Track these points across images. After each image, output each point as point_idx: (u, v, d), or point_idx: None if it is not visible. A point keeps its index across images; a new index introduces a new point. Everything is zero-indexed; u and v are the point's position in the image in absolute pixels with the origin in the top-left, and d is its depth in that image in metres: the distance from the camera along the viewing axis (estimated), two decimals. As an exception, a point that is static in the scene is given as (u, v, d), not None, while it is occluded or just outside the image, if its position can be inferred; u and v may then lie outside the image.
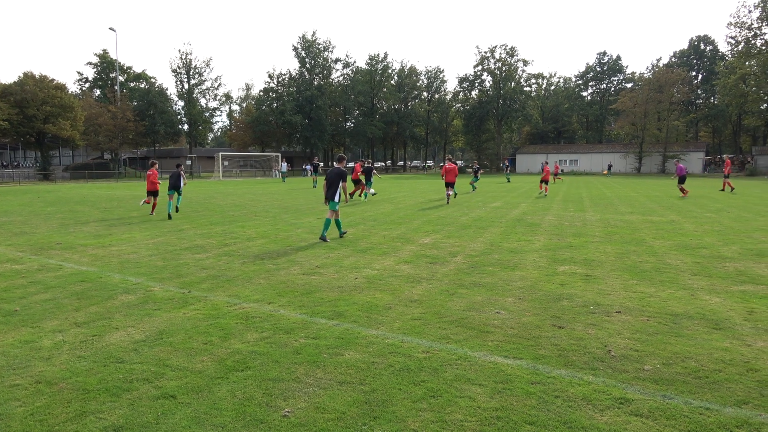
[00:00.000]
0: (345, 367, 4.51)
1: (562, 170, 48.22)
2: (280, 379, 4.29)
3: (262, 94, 78.72)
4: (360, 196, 23.37)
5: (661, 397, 3.96)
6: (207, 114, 74.15)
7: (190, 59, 70.04)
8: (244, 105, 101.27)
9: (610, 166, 73.25)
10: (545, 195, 26.46)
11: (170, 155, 77.85)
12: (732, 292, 7.00)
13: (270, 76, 78.01)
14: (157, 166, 17.43)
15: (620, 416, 3.67)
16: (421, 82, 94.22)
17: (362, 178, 23.15)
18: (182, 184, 17.15)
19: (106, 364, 4.62)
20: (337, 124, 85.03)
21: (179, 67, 69.87)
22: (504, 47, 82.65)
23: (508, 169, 48.95)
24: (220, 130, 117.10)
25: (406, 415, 3.69)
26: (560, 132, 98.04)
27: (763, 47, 65.29)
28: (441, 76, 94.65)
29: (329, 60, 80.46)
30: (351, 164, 73.59)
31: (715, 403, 3.85)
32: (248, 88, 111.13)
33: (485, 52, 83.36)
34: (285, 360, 4.68)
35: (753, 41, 66.04)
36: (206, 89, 72.36)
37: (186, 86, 70.58)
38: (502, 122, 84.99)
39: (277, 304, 6.52)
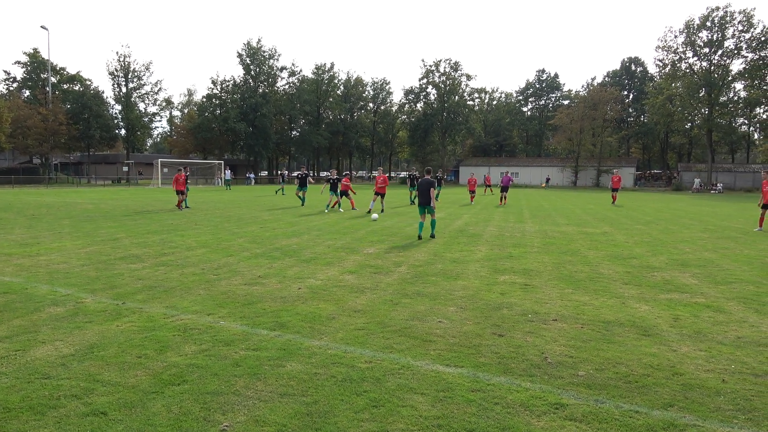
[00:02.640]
0: (286, 379, 4.44)
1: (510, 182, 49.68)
2: (218, 392, 4.17)
3: (205, 100, 76.90)
4: (333, 207, 22.90)
5: (594, 401, 4.11)
6: (146, 119, 71.66)
7: (129, 62, 67.65)
8: (186, 111, 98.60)
9: (548, 180, 76.07)
10: (471, 203, 28.18)
11: (106, 161, 74.72)
12: (659, 300, 7.39)
13: (213, 82, 76.40)
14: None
15: (556, 421, 3.79)
16: (367, 93, 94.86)
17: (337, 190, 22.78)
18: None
19: (30, 380, 4.35)
20: (282, 132, 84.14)
21: (117, 70, 67.32)
22: (448, 61, 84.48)
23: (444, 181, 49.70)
24: (159, 136, 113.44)
25: (347, 426, 3.67)
26: (502, 145, 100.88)
27: (688, 70, 69.71)
28: (387, 87, 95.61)
29: (275, 68, 79.68)
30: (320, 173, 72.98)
31: (643, 407, 4.04)
32: (190, 93, 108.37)
33: (430, 66, 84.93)
34: (224, 373, 4.56)
35: (678, 64, 70.39)
36: (145, 93, 70.01)
37: (124, 90, 68.05)
38: (446, 134, 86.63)
39: (217, 315, 6.35)
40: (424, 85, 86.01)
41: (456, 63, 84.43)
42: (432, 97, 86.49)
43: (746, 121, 79.29)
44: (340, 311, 6.56)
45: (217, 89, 76.37)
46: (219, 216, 19.51)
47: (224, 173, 48.09)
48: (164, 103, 78.09)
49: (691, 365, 4.88)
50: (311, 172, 37.32)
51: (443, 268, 9.51)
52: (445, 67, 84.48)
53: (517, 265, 9.91)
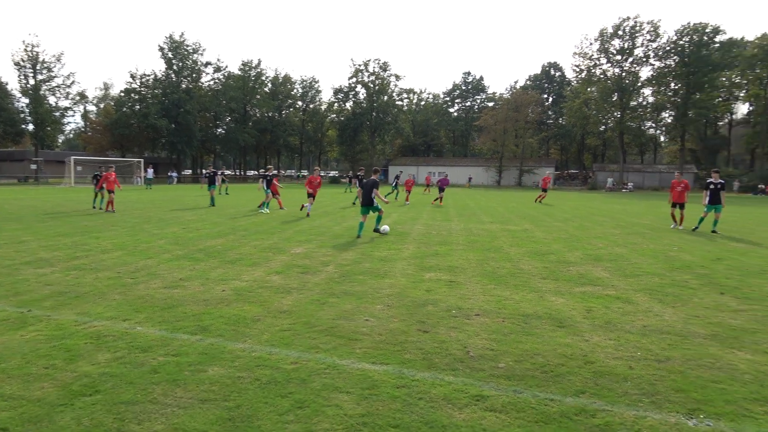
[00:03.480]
0: (208, 384, 4.31)
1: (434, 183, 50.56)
2: (134, 401, 3.98)
3: (123, 94, 73.02)
4: (261, 206, 22.12)
5: (513, 392, 4.28)
6: (57, 114, 67.10)
7: (37, 52, 63.11)
8: (102, 106, 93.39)
9: (470, 179, 78.25)
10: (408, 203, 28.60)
11: (11, 158, 69.36)
12: (574, 293, 7.79)
13: (132, 76, 72.70)
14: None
15: (477, 413, 3.90)
16: (295, 91, 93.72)
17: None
18: None
19: None
20: (206, 130, 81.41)
21: (23, 60, 62.60)
22: (377, 61, 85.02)
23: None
24: (72, 132, 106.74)
25: (272, 429, 3.61)
26: (430, 145, 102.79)
27: (602, 76, 74.00)
28: (316, 86, 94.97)
29: (199, 63, 76.98)
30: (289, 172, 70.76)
31: (558, 394, 4.24)
32: (107, 87, 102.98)
33: (359, 65, 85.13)
34: (141, 380, 4.36)
35: (593, 70, 74.60)
36: (56, 86, 65.46)
37: (32, 82, 63.41)
38: (375, 134, 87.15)
39: (134, 320, 6.06)
40: (353, 85, 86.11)
41: (385, 63, 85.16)
42: (361, 97, 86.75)
43: (653, 125, 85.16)
44: (265, 313, 6.45)
45: (136, 83, 72.77)
46: (138, 217, 18.62)
47: (145, 172, 45.86)
48: (77, 97, 73.28)
49: (601, 354, 5.18)
50: (238, 170, 36.12)
51: (371, 267, 9.56)
52: (374, 67, 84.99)
53: (442, 263, 10.12)
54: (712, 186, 16.07)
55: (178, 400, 4.01)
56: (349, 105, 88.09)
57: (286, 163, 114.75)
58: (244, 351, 5.10)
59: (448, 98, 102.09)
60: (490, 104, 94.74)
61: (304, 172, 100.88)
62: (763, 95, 70.13)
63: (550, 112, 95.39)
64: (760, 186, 61.52)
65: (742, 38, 74.67)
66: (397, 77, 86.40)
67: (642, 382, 4.49)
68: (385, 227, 14.73)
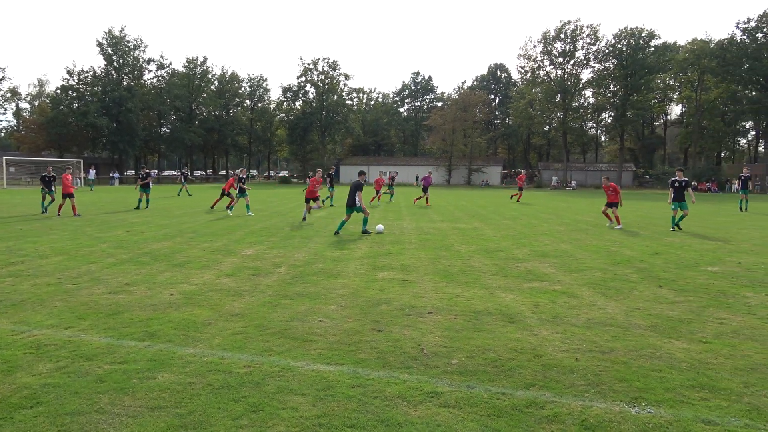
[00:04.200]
0: (158, 391, 4.19)
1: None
2: (79, 412, 3.83)
3: (59, 92, 69.74)
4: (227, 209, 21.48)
5: (466, 387, 4.37)
6: (-14, 112, 63.40)
7: (-36, 46, 59.38)
8: (37, 103, 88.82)
9: (417, 178, 78.61)
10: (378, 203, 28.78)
11: (-65, 159, 64.95)
12: (523, 289, 8.01)
13: (69, 73, 69.57)
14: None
15: (431, 409, 3.96)
16: (243, 89, 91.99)
17: (234, 192, 21.47)
18: None
19: None
20: (150, 129, 78.81)
21: (-52, 55, 58.79)
22: (327, 60, 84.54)
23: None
24: (4, 131, 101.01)
25: (225, 435, 3.55)
26: (380, 145, 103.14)
27: (545, 77, 76.26)
28: (264, 84, 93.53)
29: (141, 59, 74.44)
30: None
31: (509, 388, 4.36)
32: (41, 84, 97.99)
33: (309, 64, 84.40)
34: (86, 390, 4.19)
35: (537, 72, 76.77)
36: (-15, 83, 61.90)
37: (-43, 78, 59.63)
38: (325, 133, 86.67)
39: (77, 328, 5.81)
40: (302, 83, 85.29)
41: (334, 62, 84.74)
42: (311, 96, 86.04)
43: (594, 125, 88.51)
44: (216, 316, 6.32)
45: (73, 80, 69.68)
46: (79, 220, 17.84)
47: (86, 173, 43.93)
48: (9, 94, 69.64)
49: (549, 347, 5.35)
50: (185, 170, 34.87)
51: (324, 268, 9.52)
52: (323, 66, 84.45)
53: (395, 262, 10.20)
54: (676, 184, 16.46)
55: (127, 409, 3.88)
56: (298, 104, 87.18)
57: (234, 163, 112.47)
58: (194, 356, 4.99)
59: (398, 98, 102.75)
60: (439, 104, 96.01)
61: (254, 173, 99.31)
62: (695, 97, 74.08)
63: (497, 112, 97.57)
64: (692, 183, 64.97)
65: (675, 43, 78.71)
66: (347, 76, 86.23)
67: (588, 373, 4.67)
68: (379, 226, 14.92)
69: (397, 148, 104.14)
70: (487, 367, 4.82)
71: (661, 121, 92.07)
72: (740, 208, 25.86)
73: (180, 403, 3.99)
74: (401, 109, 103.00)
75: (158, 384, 4.34)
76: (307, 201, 18.86)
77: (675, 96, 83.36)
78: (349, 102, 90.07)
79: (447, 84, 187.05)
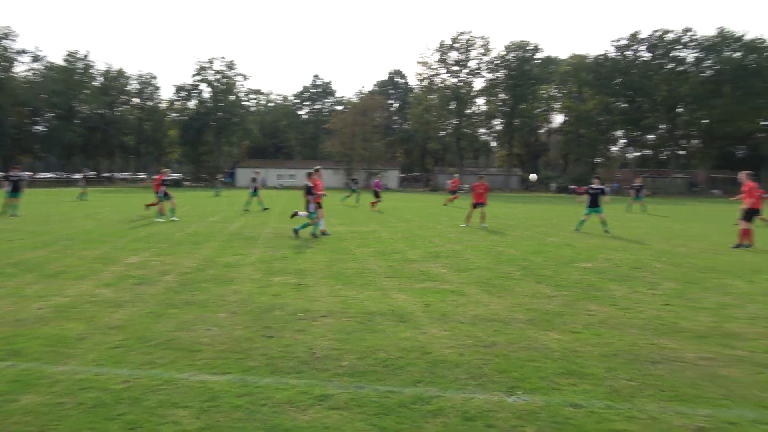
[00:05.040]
0: (20, 415, 3.83)
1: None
2: None
3: None
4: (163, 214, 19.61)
5: (355, 388, 4.42)
6: None
7: None
8: None
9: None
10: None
11: None
12: (415, 289, 8.25)
13: None
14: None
15: (320, 412, 3.97)
16: (131, 86, 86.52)
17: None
18: None
19: None
20: (22, 126, 71.72)
21: None
22: (222, 59, 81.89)
23: (222, 183, 47.98)
24: None
25: (97, 455, 3.32)
26: (279, 147, 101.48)
27: (441, 84, 79.22)
28: (154, 82, 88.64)
29: (10, 50, 67.64)
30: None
31: (397, 386, 4.47)
32: None
33: (204, 63, 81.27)
34: (-70, 419, 3.73)
35: (434, 79, 79.61)
36: None
37: None
38: (221, 135, 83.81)
39: (-77, 350, 5.16)
40: (196, 82, 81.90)
41: (231, 62, 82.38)
42: (206, 95, 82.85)
43: (486, 131, 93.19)
44: (92, 330, 5.88)
45: (-74, 71, 61.84)
46: (-69, 227, 15.83)
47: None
48: None
49: (437, 344, 5.56)
50: (87, 172, 31.63)
51: (215, 274, 9.20)
52: (219, 66, 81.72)
53: (290, 266, 10.08)
54: (591, 191, 17.59)
55: (-19, 437, 3.51)
56: (192, 103, 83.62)
57: (120, 164, 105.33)
58: (65, 374, 4.61)
59: (297, 101, 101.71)
60: (339, 108, 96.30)
61: (142, 175, 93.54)
62: (574, 107, 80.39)
63: (396, 117, 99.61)
64: (571, 186, 70.38)
65: (557, 57, 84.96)
66: (245, 77, 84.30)
67: (471, 367, 4.91)
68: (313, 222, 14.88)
69: (296, 151, 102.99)
70: (378, 366, 4.91)
71: (545, 128, 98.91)
72: (628, 210, 28.70)
73: (46, 426, 3.68)
74: (301, 112, 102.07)
75: (21, 407, 3.96)
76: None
77: (557, 106, 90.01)
78: (247, 103, 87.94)
79: (347, 88, 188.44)
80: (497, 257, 11.66)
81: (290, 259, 10.96)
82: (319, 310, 6.88)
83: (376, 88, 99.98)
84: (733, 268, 10.71)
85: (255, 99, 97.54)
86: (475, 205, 18.73)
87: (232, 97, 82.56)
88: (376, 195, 29.60)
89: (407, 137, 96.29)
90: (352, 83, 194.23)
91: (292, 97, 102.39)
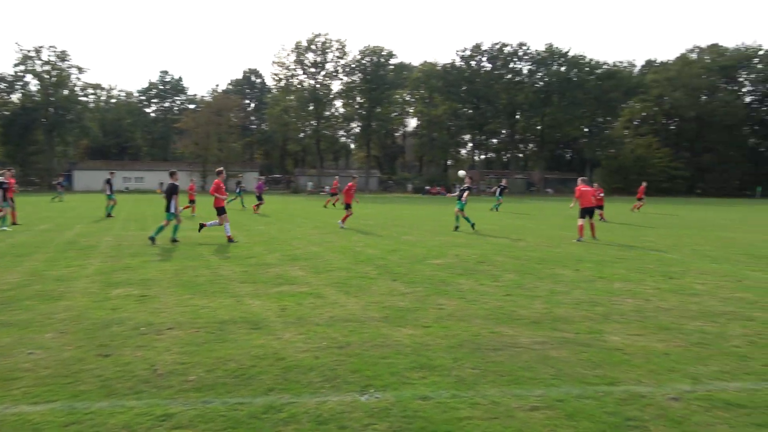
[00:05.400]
0: None
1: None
2: None
3: None
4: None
5: (202, 403, 4.16)
6: None
7: None
8: None
9: (161, 184, 72.53)
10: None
11: None
12: (271, 293, 8.04)
13: None
14: None
15: (161, 434, 3.67)
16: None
17: None
18: None
19: None
20: None
21: None
22: (53, 49, 73.44)
23: (62, 187, 43.19)
24: None
25: None
26: (124, 148, 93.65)
27: (299, 86, 78.72)
28: (-34, 72, 76.73)
29: None
30: None
31: (248, 397, 4.29)
32: None
33: (29, 51, 72.19)
34: None
35: (291, 80, 78.86)
36: None
37: None
38: (54, 133, 75.13)
39: None
40: (20, 73, 72.50)
41: (63, 52, 74.13)
42: (33, 88, 73.69)
43: (345, 133, 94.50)
44: None
45: None
46: None
47: None
48: None
49: (291, 349, 5.45)
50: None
51: (42, 289, 8.15)
52: (49, 55, 73.14)
53: (134, 277, 9.29)
54: (465, 188, 18.45)
55: None
56: (15, 97, 73.88)
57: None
58: None
59: (143, 97, 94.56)
60: (192, 106, 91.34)
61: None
62: (426, 112, 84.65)
63: (253, 118, 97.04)
64: (426, 187, 74.11)
65: (410, 63, 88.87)
66: (80, 69, 76.31)
67: (325, 370, 4.88)
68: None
69: (144, 151, 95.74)
70: (227, 378, 4.67)
71: (401, 132, 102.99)
72: (494, 209, 30.62)
73: None
74: (148, 110, 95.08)
75: None
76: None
77: (411, 110, 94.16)
78: (84, 99, 79.80)
79: (199, 86, 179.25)
80: (356, 257, 11.82)
81: (133, 269, 10.10)
82: (164, 322, 6.40)
83: (231, 87, 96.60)
84: (563, 259, 11.98)
85: (94, 94, 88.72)
86: (348, 206, 19.13)
87: (65, 92, 74.39)
88: (259, 198, 29.13)
89: (266, 138, 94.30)
90: (204, 81, 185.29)
91: (138, 94, 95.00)
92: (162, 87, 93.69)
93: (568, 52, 78.98)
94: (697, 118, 79.65)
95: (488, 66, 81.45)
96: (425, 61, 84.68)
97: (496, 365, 5.07)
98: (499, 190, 32.32)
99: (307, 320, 6.55)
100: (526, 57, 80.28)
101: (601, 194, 22.87)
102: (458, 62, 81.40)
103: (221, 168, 15.92)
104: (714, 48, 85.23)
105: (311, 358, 5.19)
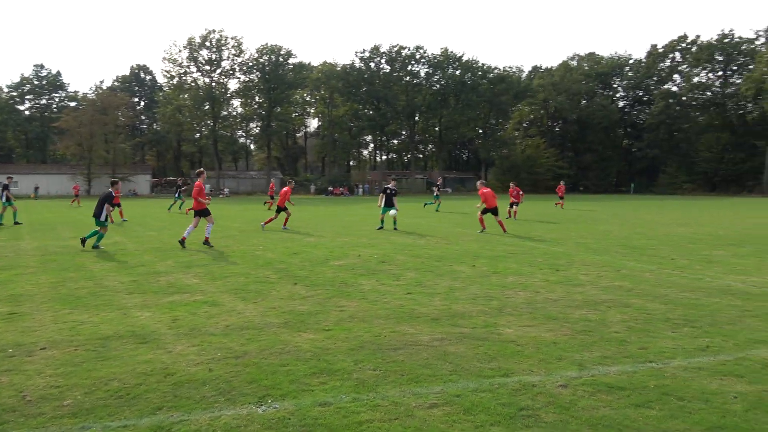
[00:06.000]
0: None
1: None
2: None
3: None
4: None
5: (80, 429, 3.78)
6: None
7: None
8: None
9: (36, 188, 65.27)
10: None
11: None
12: (162, 304, 7.55)
13: None
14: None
15: (28, 469, 3.27)
16: None
17: None
18: None
19: None
20: None
21: None
22: None
23: None
24: None
25: None
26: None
27: (193, 84, 75.24)
28: None
29: None
30: None
31: (133, 418, 3.95)
32: None
33: None
34: None
35: (185, 77, 75.18)
36: None
37: None
38: None
39: None
40: None
41: None
42: None
43: (244, 134, 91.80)
44: None
45: None
46: None
47: None
48: None
49: (183, 363, 5.12)
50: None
51: None
52: None
53: (2, 292, 8.34)
54: (388, 191, 18.60)
55: None
56: None
57: None
58: None
59: (15, 93, 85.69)
60: (73, 104, 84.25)
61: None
62: (327, 112, 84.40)
63: (143, 117, 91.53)
64: (329, 188, 73.87)
65: (309, 63, 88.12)
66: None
67: (220, 382, 4.63)
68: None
69: (18, 153, 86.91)
70: (110, 399, 4.28)
71: (302, 132, 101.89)
72: (436, 210, 30.96)
73: None
74: (21, 107, 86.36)
75: None
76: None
77: (312, 110, 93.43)
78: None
79: (81, 82, 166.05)
80: (255, 261, 11.45)
81: (1, 283, 9.07)
82: (36, 342, 5.78)
83: (118, 84, 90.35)
84: (460, 255, 12.37)
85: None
86: (282, 209, 18.99)
87: None
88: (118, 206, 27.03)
89: (158, 139, 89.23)
90: (87, 77, 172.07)
91: (8, 89, 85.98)
92: (37, 82, 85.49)
93: (462, 56, 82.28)
94: (579, 121, 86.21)
95: (387, 68, 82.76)
96: (325, 62, 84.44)
97: (397, 365, 5.08)
98: (436, 190, 32.80)
99: (201, 330, 6.21)
100: (423, 60, 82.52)
101: (521, 192, 24.69)
102: (358, 63, 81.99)
103: (201, 168, 15.68)
104: (591, 56, 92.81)
105: (205, 371, 4.91)
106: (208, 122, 77.28)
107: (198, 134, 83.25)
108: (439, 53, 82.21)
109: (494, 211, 17.36)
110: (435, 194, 32.53)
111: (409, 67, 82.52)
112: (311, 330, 6.22)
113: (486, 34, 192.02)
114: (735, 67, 77.89)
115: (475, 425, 3.84)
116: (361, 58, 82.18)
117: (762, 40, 74.32)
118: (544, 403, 4.21)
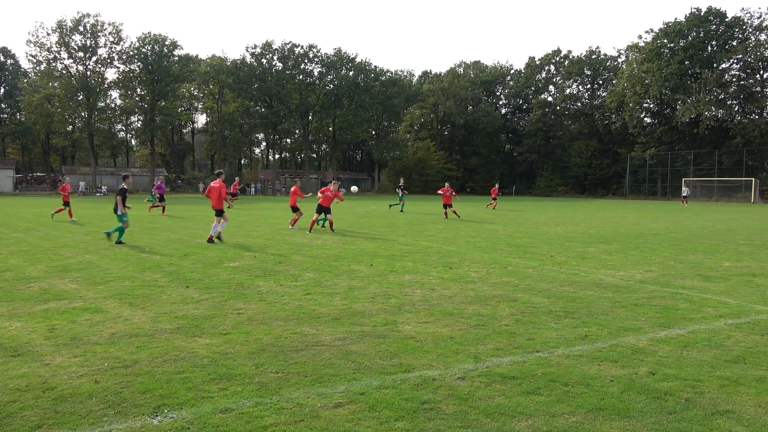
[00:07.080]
0: None
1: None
2: None
3: None
4: None
5: (-60, 458, 3.34)
6: None
7: None
8: None
9: None
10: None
11: None
12: (35, 312, 6.86)
13: None
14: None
15: None
16: None
17: None
18: None
19: None
20: None
21: None
22: None
23: None
24: None
25: None
26: None
27: (65, 71, 68.78)
28: None
29: None
30: None
31: (7, 440, 3.57)
32: None
33: None
34: None
35: (54, 64, 68.47)
36: None
37: None
38: None
39: None
40: None
41: None
42: None
43: (124, 128, 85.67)
44: None
45: None
46: None
47: None
48: None
49: (64, 375, 4.69)
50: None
51: None
52: None
53: None
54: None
55: None
56: None
57: None
58: None
59: None
60: None
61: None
62: (217, 108, 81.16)
63: (3, 105, 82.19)
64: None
65: (197, 56, 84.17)
66: None
67: (108, 394, 4.30)
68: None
69: None
70: (-24, 421, 3.82)
71: (190, 128, 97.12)
72: (401, 211, 30.74)
73: None
74: None
75: None
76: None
77: (200, 106, 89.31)
78: None
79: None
80: (141, 264, 10.75)
81: None
82: None
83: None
84: (358, 255, 12.49)
85: None
86: (294, 209, 19.19)
87: None
88: (161, 199, 26.33)
89: (22, 131, 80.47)
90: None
91: None
92: None
93: (355, 57, 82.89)
94: (466, 126, 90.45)
95: (279, 65, 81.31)
96: (214, 55, 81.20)
97: (299, 366, 5.03)
98: (400, 191, 32.39)
99: (84, 340, 5.72)
100: (316, 59, 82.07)
101: (453, 193, 26.14)
102: (249, 59, 79.73)
103: (221, 170, 16.16)
104: (477, 64, 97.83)
105: (90, 383, 4.53)
106: (83, 114, 71.05)
107: (71, 126, 76.32)
108: (333, 53, 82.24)
109: (324, 211, 17.99)
110: (400, 195, 32.50)
111: (303, 66, 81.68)
112: (207, 335, 5.97)
113: (378, 36, 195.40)
114: (601, 81, 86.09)
115: (380, 422, 3.91)
116: (253, 54, 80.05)
117: (623, 57, 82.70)
118: (445, 395, 4.38)
